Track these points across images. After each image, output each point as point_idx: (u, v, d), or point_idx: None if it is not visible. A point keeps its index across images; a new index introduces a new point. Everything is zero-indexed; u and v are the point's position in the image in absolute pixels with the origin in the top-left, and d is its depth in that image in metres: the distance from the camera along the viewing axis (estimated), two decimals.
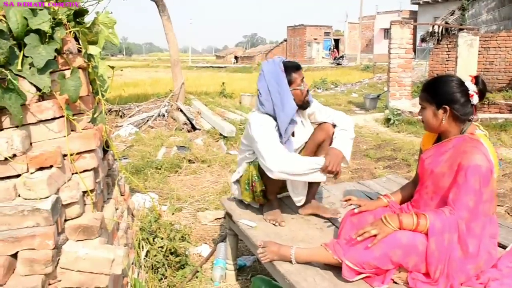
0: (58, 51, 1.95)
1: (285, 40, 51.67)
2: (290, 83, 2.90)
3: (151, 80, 24.37)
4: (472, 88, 2.27)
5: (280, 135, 2.92)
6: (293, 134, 3.04)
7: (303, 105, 3.01)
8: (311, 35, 48.12)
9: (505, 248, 2.53)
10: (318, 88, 20.52)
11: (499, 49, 13.94)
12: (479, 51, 12.51)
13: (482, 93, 2.29)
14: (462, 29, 12.07)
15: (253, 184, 3.02)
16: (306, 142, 3.13)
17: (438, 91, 2.29)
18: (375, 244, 2.16)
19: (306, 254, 2.41)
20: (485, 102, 11.79)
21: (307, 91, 3.00)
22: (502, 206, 4.80)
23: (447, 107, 2.26)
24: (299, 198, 3.11)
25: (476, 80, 2.30)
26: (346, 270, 2.19)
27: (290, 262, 2.40)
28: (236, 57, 57.50)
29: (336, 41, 50.34)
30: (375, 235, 2.17)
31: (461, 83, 2.28)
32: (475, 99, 2.27)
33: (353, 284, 2.19)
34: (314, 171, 2.79)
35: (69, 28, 2.05)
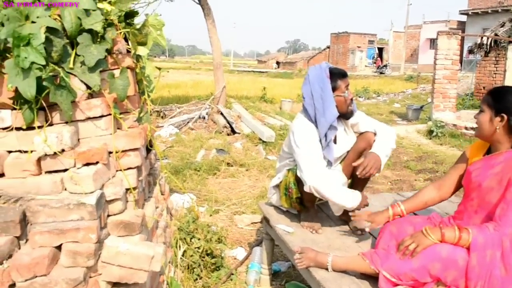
0: (109, 51, 2.01)
1: (328, 47, 51.47)
2: (334, 89, 2.87)
3: (193, 82, 24.69)
4: None
5: (320, 140, 2.92)
6: (335, 141, 3.02)
7: (346, 113, 2.96)
8: (354, 42, 47.79)
9: None
10: (360, 97, 20.32)
11: None
12: None
13: None
14: None
15: (290, 190, 3.03)
16: (348, 152, 3.11)
17: (501, 98, 2.25)
18: (414, 256, 2.13)
19: (342, 262, 2.40)
20: None
21: (351, 99, 2.96)
22: None
23: (505, 116, 2.21)
24: (337, 208, 3.10)
25: None
26: (383, 281, 2.17)
27: (326, 269, 2.40)
28: (277, 63, 57.64)
29: (380, 50, 49.86)
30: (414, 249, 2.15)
31: None
32: None
33: None
34: (344, 201, 2.78)
35: (120, 29, 2.11)
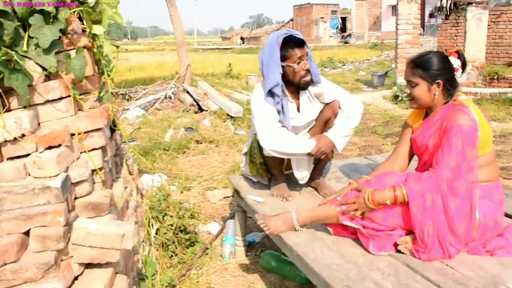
0: (63, 31, 1.97)
1: (292, 20, 51.30)
2: (285, 58, 2.83)
3: (157, 63, 24.37)
4: (455, 62, 2.35)
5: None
6: (298, 110, 3.03)
7: (299, 84, 2.92)
8: (317, 13, 47.77)
9: (511, 218, 2.54)
10: (325, 67, 20.42)
11: (509, 23, 13.70)
12: (488, 25, 12.36)
13: (464, 67, 2.38)
14: (471, 3, 11.91)
15: (254, 156, 3.09)
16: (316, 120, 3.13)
17: (430, 66, 2.31)
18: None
19: (307, 212, 2.47)
20: (495, 77, 11.70)
21: (307, 70, 2.88)
22: (511, 179, 4.79)
23: (441, 81, 2.30)
24: (302, 175, 3.12)
25: (458, 54, 2.38)
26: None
27: (294, 228, 2.46)
28: (242, 38, 57.31)
29: (343, 19, 49.94)
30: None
31: (446, 58, 2.35)
32: (459, 73, 2.36)
33: (359, 254, 2.23)
34: (303, 152, 2.84)
35: (73, 8, 2.06)
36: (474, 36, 11.72)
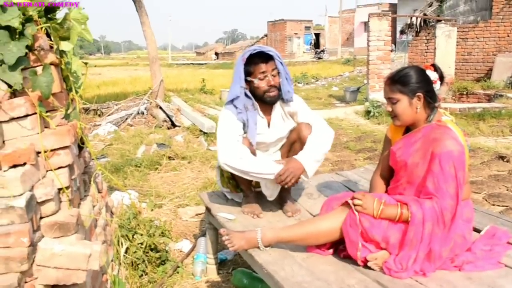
0: (30, 48, 1.93)
1: (266, 35, 51.68)
2: (249, 73, 2.89)
3: (131, 78, 24.21)
4: (433, 75, 2.38)
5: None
6: (269, 126, 3.04)
7: (263, 98, 2.94)
8: (291, 29, 48.25)
9: (479, 232, 2.58)
10: (299, 83, 20.58)
11: (476, 40, 14.14)
12: (457, 42, 12.71)
13: (441, 79, 2.41)
14: (440, 21, 12.21)
15: (223, 170, 3.07)
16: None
17: (408, 80, 2.32)
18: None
19: (272, 234, 2.45)
20: (464, 92, 11.98)
21: (271, 86, 2.89)
22: (480, 193, 4.88)
23: (421, 94, 2.30)
24: (270, 193, 3.05)
25: (435, 67, 2.41)
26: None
27: (258, 247, 2.44)
28: (216, 54, 57.39)
29: (317, 35, 50.54)
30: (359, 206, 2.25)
31: (424, 71, 2.37)
32: (437, 85, 2.38)
33: (329, 271, 2.23)
34: (266, 175, 2.81)
35: (40, 24, 2.03)
36: (444, 52, 11.99)
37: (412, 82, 2.31)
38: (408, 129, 2.47)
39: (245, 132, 2.97)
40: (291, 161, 2.82)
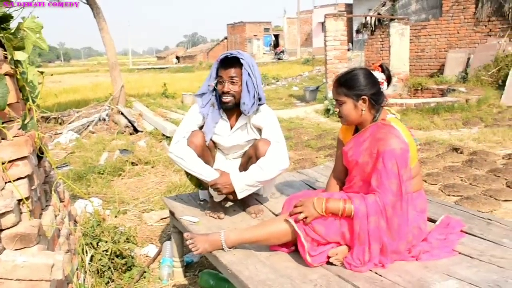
0: None
1: (226, 38, 51.71)
2: (217, 75, 2.99)
3: (92, 85, 23.87)
4: (380, 76, 2.44)
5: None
6: (231, 128, 3.08)
7: (220, 100, 3.00)
8: (251, 31, 48.43)
9: (434, 222, 2.69)
10: None
11: (429, 37, 14.59)
12: (410, 39, 13.06)
13: (389, 79, 2.47)
14: (393, 20, 12.50)
15: None
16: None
17: (354, 84, 2.38)
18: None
19: (236, 235, 2.49)
20: (419, 88, 12.31)
21: (225, 92, 2.91)
22: (436, 184, 5.05)
23: (366, 97, 2.37)
24: (215, 194, 3.02)
25: (382, 68, 2.47)
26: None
27: (222, 249, 2.48)
28: (177, 57, 57.09)
29: (276, 37, 50.86)
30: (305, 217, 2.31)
31: (370, 73, 2.42)
32: (385, 86, 2.44)
33: (292, 268, 2.29)
34: (203, 177, 2.92)
35: None
36: (398, 50, 12.30)
37: (357, 85, 2.38)
38: (357, 129, 2.55)
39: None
40: (223, 176, 2.88)
